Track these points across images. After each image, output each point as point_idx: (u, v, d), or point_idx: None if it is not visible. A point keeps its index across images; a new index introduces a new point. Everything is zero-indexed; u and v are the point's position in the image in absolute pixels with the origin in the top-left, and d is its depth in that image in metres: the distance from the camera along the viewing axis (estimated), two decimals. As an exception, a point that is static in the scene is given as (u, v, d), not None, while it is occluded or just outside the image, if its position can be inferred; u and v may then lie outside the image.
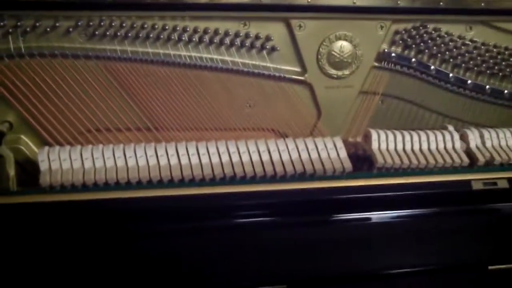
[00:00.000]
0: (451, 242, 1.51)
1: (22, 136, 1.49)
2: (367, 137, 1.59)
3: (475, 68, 1.72)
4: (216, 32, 1.50)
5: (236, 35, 1.52)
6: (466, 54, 1.69)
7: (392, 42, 1.64)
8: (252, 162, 1.46)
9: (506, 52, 1.72)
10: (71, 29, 1.42)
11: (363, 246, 1.46)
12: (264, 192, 1.41)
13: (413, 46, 1.65)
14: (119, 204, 1.34)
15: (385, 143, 1.57)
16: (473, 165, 1.59)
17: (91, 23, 1.42)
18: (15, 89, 1.43)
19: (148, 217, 1.34)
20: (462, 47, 1.68)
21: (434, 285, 1.49)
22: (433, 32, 1.65)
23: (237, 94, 1.57)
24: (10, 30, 1.38)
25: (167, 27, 1.47)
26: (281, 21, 1.54)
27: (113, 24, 1.44)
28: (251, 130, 1.61)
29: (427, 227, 1.49)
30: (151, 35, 1.47)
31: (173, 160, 1.43)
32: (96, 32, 1.43)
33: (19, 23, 1.38)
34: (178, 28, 1.48)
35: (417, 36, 1.64)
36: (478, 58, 1.71)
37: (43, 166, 1.38)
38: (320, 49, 1.58)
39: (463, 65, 1.71)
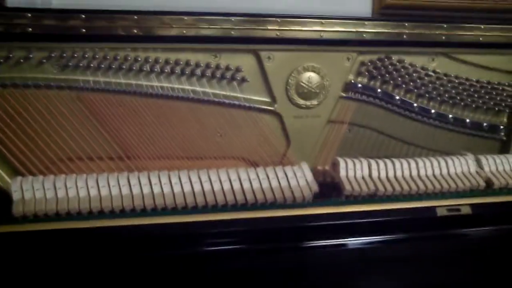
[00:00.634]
0: (416, 267, 1.54)
1: (-5, 166, 1.50)
2: (335, 165, 1.63)
3: (438, 98, 1.77)
4: (187, 63, 1.53)
5: (207, 66, 1.55)
6: (430, 85, 1.75)
7: (358, 73, 1.69)
8: (223, 191, 1.49)
9: (467, 83, 1.78)
10: (44, 60, 1.44)
11: (333, 272, 1.48)
12: (235, 220, 1.43)
13: (379, 76, 1.70)
14: (93, 233, 1.35)
15: (353, 171, 1.61)
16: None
17: (64, 54, 1.45)
18: (-12, 119, 1.44)
19: (120, 245, 1.35)
20: (425, 77, 1.74)
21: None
22: (397, 63, 1.70)
23: (208, 123, 1.59)
24: (-17, 62, 1.40)
25: (139, 58, 1.50)
26: (251, 53, 1.57)
27: (86, 55, 1.46)
28: (222, 158, 1.64)
29: (394, 253, 1.52)
30: (123, 66, 1.49)
31: (146, 189, 1.45)
32: (69, 63, 1.45)
33: (-8, 54, 1.40)
34: (150, 60, 1.50)
35: (382, 67, 1.69)
36: (441, 88, 1.76)
37: (16, 196, 1.38)
38: (289, 80, 1.62)
39: (427, 95, 1.76)
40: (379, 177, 1.62)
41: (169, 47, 1.51)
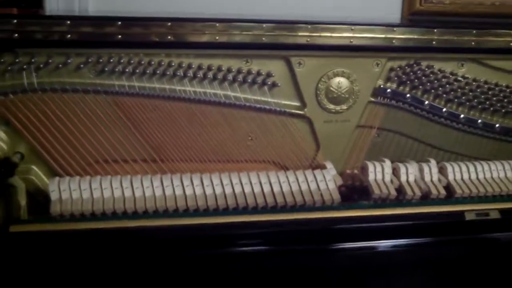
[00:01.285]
0: (445, 270, 1.55)
1: (33, 167, 1.54)
2: (364, 169, 1.65)
3: (467, 103, 1.78)
4: (219, 68, 1.56)
5: (239, 71, 1.58)
6: (458, 90, 1.75)
7: (387, 79, 1.71)
8: (254, 193, 1.52)
9: (496, 88, 1.78)
10: (81, 65, 1.49)
11: (360, 274, 1.50)
12: (265, 222, 1.46)
13: (408, 82, 1.71)
14: (127, 233, 1.39)
15: (381, 175, 1.63)
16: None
17: (100, 60, 1.49)
18: (28, 122, 1.49)
19: (155, 246, 1.39)
20: (455, 83, 1.74)
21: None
22: (426, 69, 1.71)
23: (239, 127, 1.63)
24: (24, 67, 1.45)
25: (173, 64, 1.53)
26: (282, 58, 1.60)
27: (121, 60, 1.50)
28: (252, 162, 1.67)
29: (422, 256, 1.54)
30: (157, 71, 1.53)
31: (178, 191, 1.49)
32: (105, 68, 1.49)
33: (32, 60, 1.45)
34: (183, 65, 1.54)
35: (411, 73, 1.70)
36: (470, 93, 1.77)
37: (54, 196, 1.43)
38: (319, 85, 1.64)
39: (456, 100, 1.76)
40: (407, 181, 1.64)
41: (201, 53, 1.54)
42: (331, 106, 1.67)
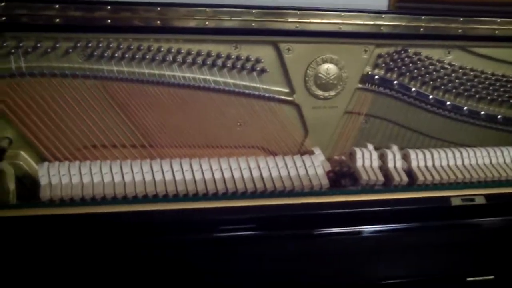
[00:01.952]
0: (431, 255, 1.57)
1: (21, 152, 1.54)
2: (352, 155, 1.66)
3: (454, 90, 1.80)
4: (208, 54, 1.57)
5: (228, 57, 1.58)
6: (445, 77, 1.77)
7: (375, 65, 1.72)
8: (243, 178, 1.53)
9: (482, 75, 1.80)
10: (70, 50, 1.48)
11: (346, 258, 1.52)
12: (255, 207, 1.47)
13: (395, 69, 1.72)
14: (117, 217, 1.38)
15: (369, 161, 1.64)
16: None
17: (89, 44, 1.48)
18: (16, 107, 1.48)
19: (144, 230, 1.39)
20: (441, 70, 1.76)
21: (416, 296, 1.56)
22: (413, 56, 1.72)
23: (229, 113, 1.63)
24: (12, 51, 1.44)
25: (162, 49, 1.53)
26: (271, 44, 1.60)
27: (110, 45, 1.50)
28: (241, 147, 1.68)
29: (409, 241, 1.55)
30: (147, 56, 1.52)
31: (168, 176, 1.49)
32: (94, 53, 1.49)
33: (20, 44, 1.44)
34: (172, 50, 1.54)
35: (399, 60, 1.72)
36: (456, 80, 1.79)
37: (43, 180, 1.43)
38: (308, 71, 1.65)
39: (442, 87, 1.79)
40: (395, 167, 1.66)
41: (191, 38, 1.54)
42: (320, 92, 1.68)
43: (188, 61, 1.56)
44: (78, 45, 1.48)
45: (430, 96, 1.78)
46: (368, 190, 1.60)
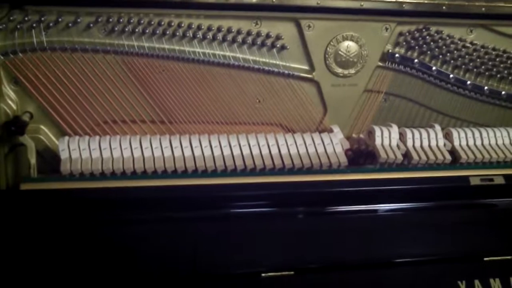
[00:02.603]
0: (449, 235, 1.57)
1: (42, 126, 1.55)
2: (371, 133, 1.66)
3: (475, 70, 1.78)
4: (229, 30, 1.56)
5: (248, 33, 1.58)
6: (466, 56, 1.76)
7: (396, 43, 1.70)
8: (261, 155, 1.53)
9: (504, 55, 1.78)
10: (91, 25, 1.48)
11: (366, 236, 1.52)
12: (272, 183, 1.48)
13: (416, 47, 1.71)
14: (136, 192, 1.40)
15: (388, 139, 1.64)
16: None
17: (110, 19, 1.48)
18: (37, 81, 1.49)
19: (162, 206, 1.40)
20: (463, 49, 1.74)
21: (432, 275, 1.56)
22: (435, 34, 1.71)
23: (248, 90, 1.63)
24: (34, 25, 1.44)
25: (182, 25, 1.53)
26: (291, 21, 1.59)
27: (131, 20, 1.49)
28: (260, 124, 1.67)
29: (427, 220, 1.56)
30: (167, 32, 1.52)
31: (187, 152, 1.50)
32: (115, 28, 1.49)
33: (42, 18, 1.44)
34: (193, 26, 1.53)
35: (420, 38, 1.70)
36: (478, 60, 1.77)
37: (64, 155, 1.44)
38: (328, 49, 1.64)
39: (463, 66, 1.77)
40: (413, 146, 1.65)
41: (211, 14, 1.54)
42: (339, 70, 1.67)
43: (208, 37, 1.55)
44: (99, 20, 1.48)
45: (451, 75, 1.76)
46: (386, 169, 1.60)
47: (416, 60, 1.72)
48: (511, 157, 1.69)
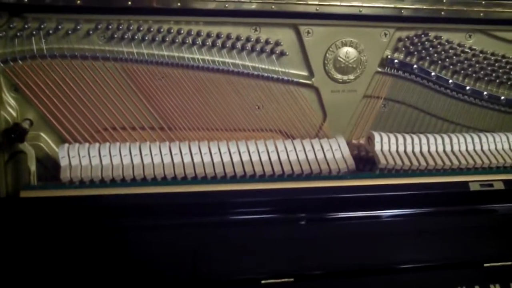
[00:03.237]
0: (448, 240, 1.57)
1: (42, 134, 1.55)
2: (370, 139, 1.66)
3: (474, 75, 1.78)
4: (228, 36, 1.56)
5: (247, 40, 1.58)
6: (465, 61, 1.76)
7: (395, 49, 1.71)
8: (261, 161, 1.53)
9: (503, 60, 1.78)
10: (91, 32, 1.48)
11: (366, 242, 1.52)
12: (272, 190, 1.48)
13: (415, 53, 1.71)
14: (136, 199, 1.40)
15: (387, 145, 1.64)
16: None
17: (110, 26, 1.48)
18: (37, 89, 1.49)
19: (162, 212, 1.40)
20: (462, 54, 1.74)
21: (433, 281, 1.56)
22: (434, 39, 1.71)
23: (247, 96, 1.63)
24: (34, 32, 1.45)
25: (182, 31, 1.53)
26: (290, 27, 1.60)
27: (130, 27, 1.50)
28: (259, 131, 1.68)
29: (427, 226, 1.56)
30: (166, 39, 1.53)
31: (187, 159, 1.50)
32: (115, 35, 1.49)
33: (42, 26, 1.44)
34: (192, 33, 1.54)
35: (419, 44, 1.70)
36: (477, 65, 1.77)
37: (63, 162, 1.44)
38: (327, 55, 1.64)
39: (462, 71, 1.77)
40: (413, 152, 1.65)
41: (210, 20, 1.54)
42: (339, 76, 1.67)
43: (207, 43, 1.55)
44: (99, 27, 1.48)
45: (450, 81, 1.76)
46: (385, 175, 1.60)
47: (415, 66, 1.72)
48: (511, 162, 1.69)
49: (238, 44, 1.58)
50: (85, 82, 1.51)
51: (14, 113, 1.50)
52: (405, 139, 1.65)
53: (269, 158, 1.54)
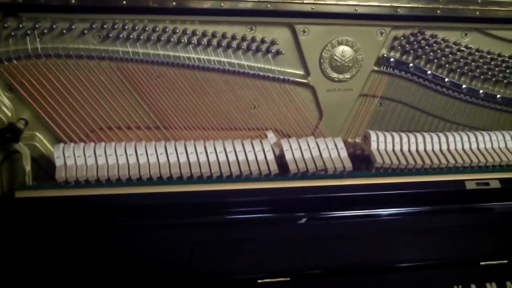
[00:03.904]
0: (445, 239, 1.57)
1: (37, 133, 1.55)
2: (366, 138, 1.66)
3: (470, 73, 1.78)
4: (223, 36, 1.56)
5: (243, 39, 1.57)
6: (461, 60, 1.76)
7: (391, 48, 1.70)
8: (257, 160, 1.53)
9: (499, 58, 1.78)
10: (85, 31, 1.48)
11: (362, 241, 1.52)
12: (269, 189, 1.47)
13: (411, 51, 1.71)
14: (131, 199, 1.40)
15: (384, 144, 1.64)
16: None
17: (105, 26, 1.48)
18: (31, 88, 1.48)
19: (158, 212, 1.40)
20: (458, 53, 1.74)
21: (429, 280, 1.56)
22: (430, 38, 1.71)
23: (243, 95, 1.63)
24: (28, 32, 1.44)
25: (177, 31, 1.52)
26: (286, 26, 1.59)
27: (126, 27, 1.49)
28: (255, 130, 1.67)
29: (423, 225, 1.56)
30: (162, 38, 1.52)
31: (182, 158, 1.50)
32: (110, 34, 1.49)
33: (36, 25, 1.44)
34: (187, 32, 1.53)
35: (415, 42, 1.70)
36: (473, 63, 1.77)
37: (59, 162, 1.44)
38: (323, 54, 1.64)
39: (458, 70, 1.77)
40: (409, 151, 1.65)
41: (206, 19, 1.53)
42: (335, 75, 1.67)
43: (203, 42, 1.55)
44: (94, 26, 1.47)
45: (446, 79, 1.77)
46: (381, 174, 1.60)
47: (411, 64, 1.72)
48: (507, 161, 1.69)
49: (234, 43, 1.57)
50: (80, 81, 1.51)
51: (9, 113, 1.50)
52: (401, 138, 1.66)
53: (265, 157, 1.54)
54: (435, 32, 1.70)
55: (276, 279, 1.43)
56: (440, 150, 1.68)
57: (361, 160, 1.69)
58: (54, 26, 1.45)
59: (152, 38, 1.51)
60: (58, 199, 1.37)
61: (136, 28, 1.50)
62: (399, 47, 1.70)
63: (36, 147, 1.54)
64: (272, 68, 1.62)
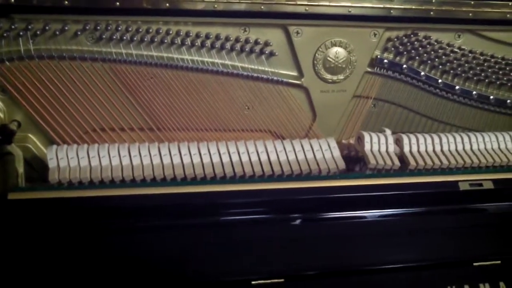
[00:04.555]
0: (438, 240, 1.57)
1: (30, 135, 1.54)
2: (360, 139, 1.66)
3: (463, 75, 1.79)
4: (217, 37, 1.56)
5: (237, 40, 1.57)
6: (454, 61, 1.76)
7: (384, 49, 1.71)
8: (251, 162, 1.53)
9: (492, 60, 1.79)
10: (79, 33, 1.47)
11: (356, 242, 1.52)
12: (262, 190, 1.47)
13: (404, 53, 1.71)
14: (125, 201, 1.39)
15: (377, 145, 1.64)
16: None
17: (98, 27, 1.47)
18: (24, 90, 1.48)
19: (152, 214, 1.39)
20: (451, 54, 1.75)
21: (422, 280, 1.56)
22: (423, 39, 1.71)
23: (237, 96, 1.63)
24: (21, 33, 1.43)
25: (170, 32, 1.52)
26: (280, 27, 1.59)
27: (119, 28, 1.49)
28: (249, 131, 1.67)
29: (416, 226, 1.55)
30: (155, 39, 1.52)
31: (176, 159, 1.49)
32: (103, 36, 1.48)
33: (29, 26, 1.43)
34: (181, 33, 1.53)
35: (408, 44, 1.70)
36: (466, 65, 1.77)
37: (52, 163, 1.43)
38: (316, 55, 1.64)
39: (451, 71, 1.78)
40: (403, 151, 1.65)
41: (199, 21, 1.53)
42: (328, 76, 1.67)
43: (196, 44, 1.55)
44: (87, 27, 1.47)
45: (439, 80, 1.77)
46: (375, 175, 1.60)
47: (404, 66, 1.72)
48: (500, 162, 1.69)
49: (228, 45, 1.57)
50: (73, 83, 1.51)
51: (1, 115, 1.50)
52: (401, 139, 1.66)
53: (259, 159, 1.54)
54: (429, 33, 1.71)
55: (270, 280, 1.43)
56: (434, 151, 1.68)
57: (355, 161, 1.70)
58: (47, 27, 1.44)
59: (146, 39, 1.51)
60: (51, 200, 1.36)
61: (130, 29, 1.49)
62: (392, 49, 1.71)
63: (29, 148, 1.54)
64: (266, 69, 1.62)
